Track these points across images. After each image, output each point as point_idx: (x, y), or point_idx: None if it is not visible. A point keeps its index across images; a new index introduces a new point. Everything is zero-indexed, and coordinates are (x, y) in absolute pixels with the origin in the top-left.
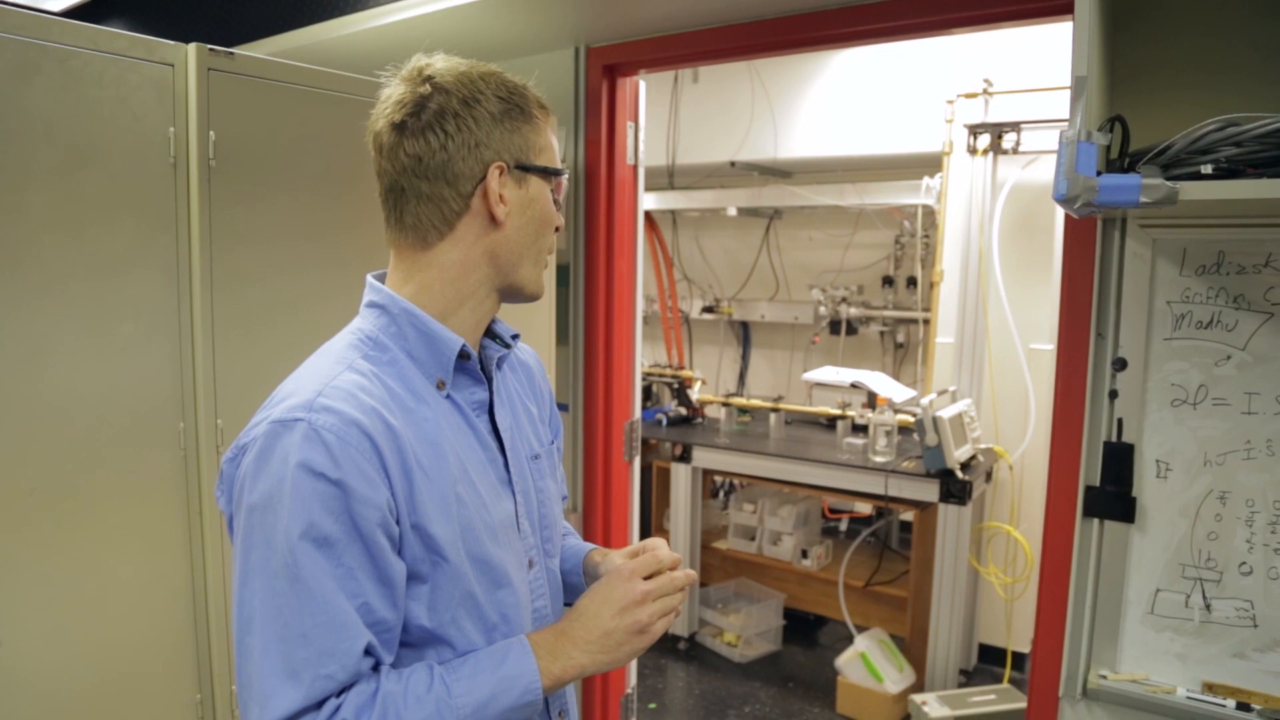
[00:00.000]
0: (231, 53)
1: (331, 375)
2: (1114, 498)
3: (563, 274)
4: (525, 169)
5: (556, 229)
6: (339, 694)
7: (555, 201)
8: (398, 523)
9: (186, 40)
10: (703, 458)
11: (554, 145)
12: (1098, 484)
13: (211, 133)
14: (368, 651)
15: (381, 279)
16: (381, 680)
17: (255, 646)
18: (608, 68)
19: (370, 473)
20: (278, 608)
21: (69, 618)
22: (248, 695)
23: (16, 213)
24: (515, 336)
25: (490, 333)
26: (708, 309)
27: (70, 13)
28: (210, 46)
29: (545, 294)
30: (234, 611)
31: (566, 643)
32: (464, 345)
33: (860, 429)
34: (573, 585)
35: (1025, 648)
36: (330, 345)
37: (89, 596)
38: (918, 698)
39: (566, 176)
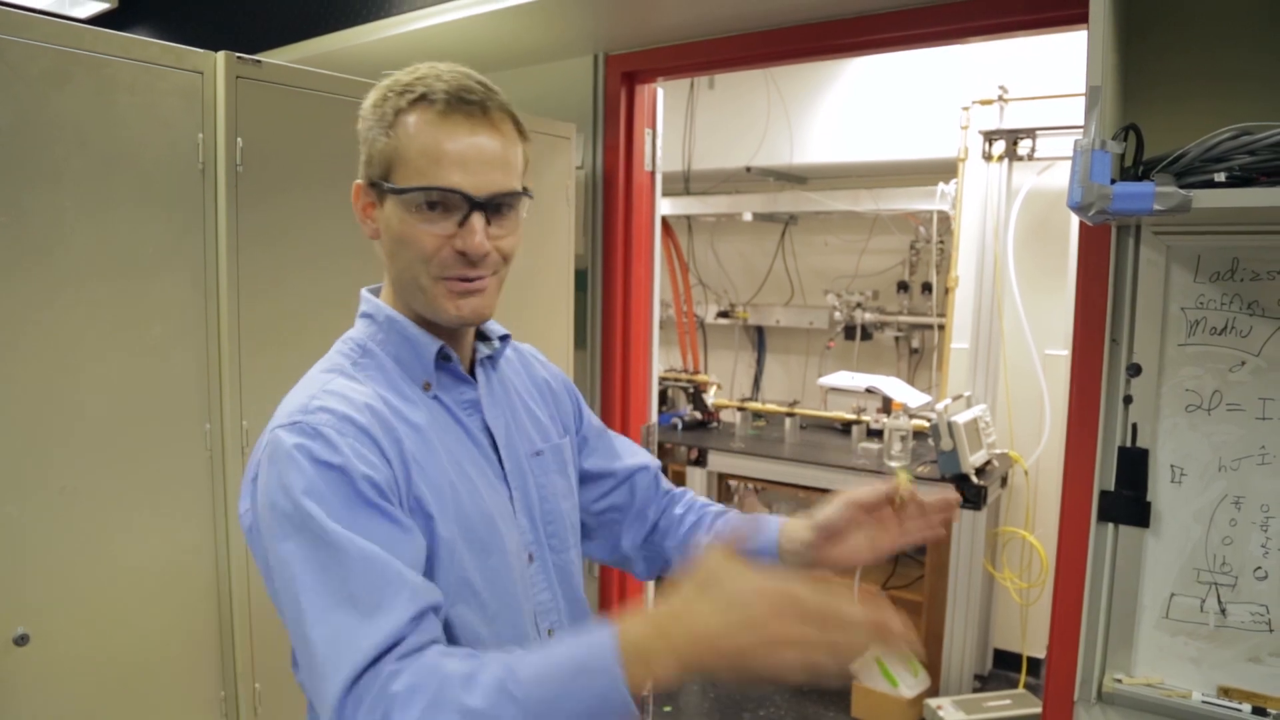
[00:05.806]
0: (259, 60)
1: (324, 382)
2: (1129, 503)
3: (580, 279)
4: (373, 186)
5: (459, 252)
6: (411, 636)
7: (432, 206)
8: (401, 504)
9: (208, 47)
10: (718, 462)
11: (440, 149)
12: (1112, 489)
13: (239, 139)
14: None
15: (377, 292)
16: (453, 663)
17: (310, 620)
18: (626, 75)
19: (370, 457)
20: (319, 570)
21: (96, 615)
22: (321, 673)
23: (49, 216)
24: (505, 337)
25: (481, 335)
26: (723, 314)
27: (95, 20)
28: (238, 54)
29: (561, 300)
30: (287, 621)
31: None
32: (443, 346)
33: (875, 434)
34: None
35: (1040, 653)
36: (324, 359)
37: (116, 594)
38: (933, 702)
39: (432, 196)
